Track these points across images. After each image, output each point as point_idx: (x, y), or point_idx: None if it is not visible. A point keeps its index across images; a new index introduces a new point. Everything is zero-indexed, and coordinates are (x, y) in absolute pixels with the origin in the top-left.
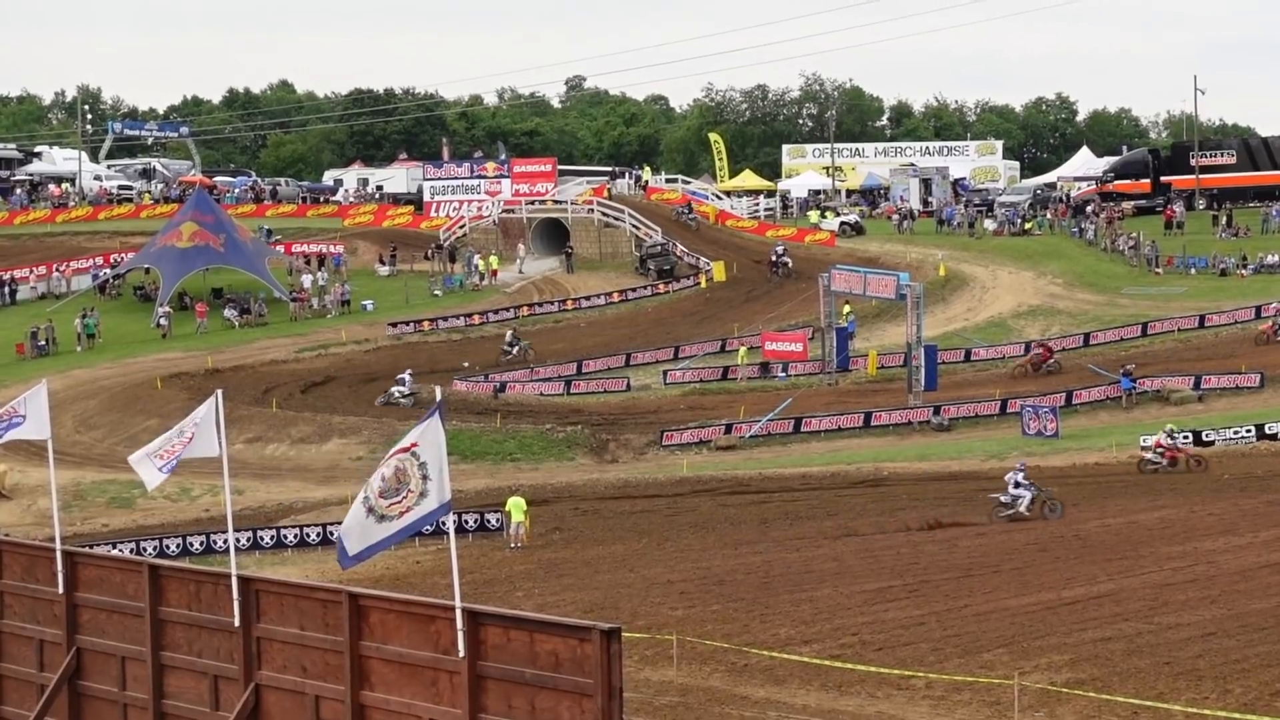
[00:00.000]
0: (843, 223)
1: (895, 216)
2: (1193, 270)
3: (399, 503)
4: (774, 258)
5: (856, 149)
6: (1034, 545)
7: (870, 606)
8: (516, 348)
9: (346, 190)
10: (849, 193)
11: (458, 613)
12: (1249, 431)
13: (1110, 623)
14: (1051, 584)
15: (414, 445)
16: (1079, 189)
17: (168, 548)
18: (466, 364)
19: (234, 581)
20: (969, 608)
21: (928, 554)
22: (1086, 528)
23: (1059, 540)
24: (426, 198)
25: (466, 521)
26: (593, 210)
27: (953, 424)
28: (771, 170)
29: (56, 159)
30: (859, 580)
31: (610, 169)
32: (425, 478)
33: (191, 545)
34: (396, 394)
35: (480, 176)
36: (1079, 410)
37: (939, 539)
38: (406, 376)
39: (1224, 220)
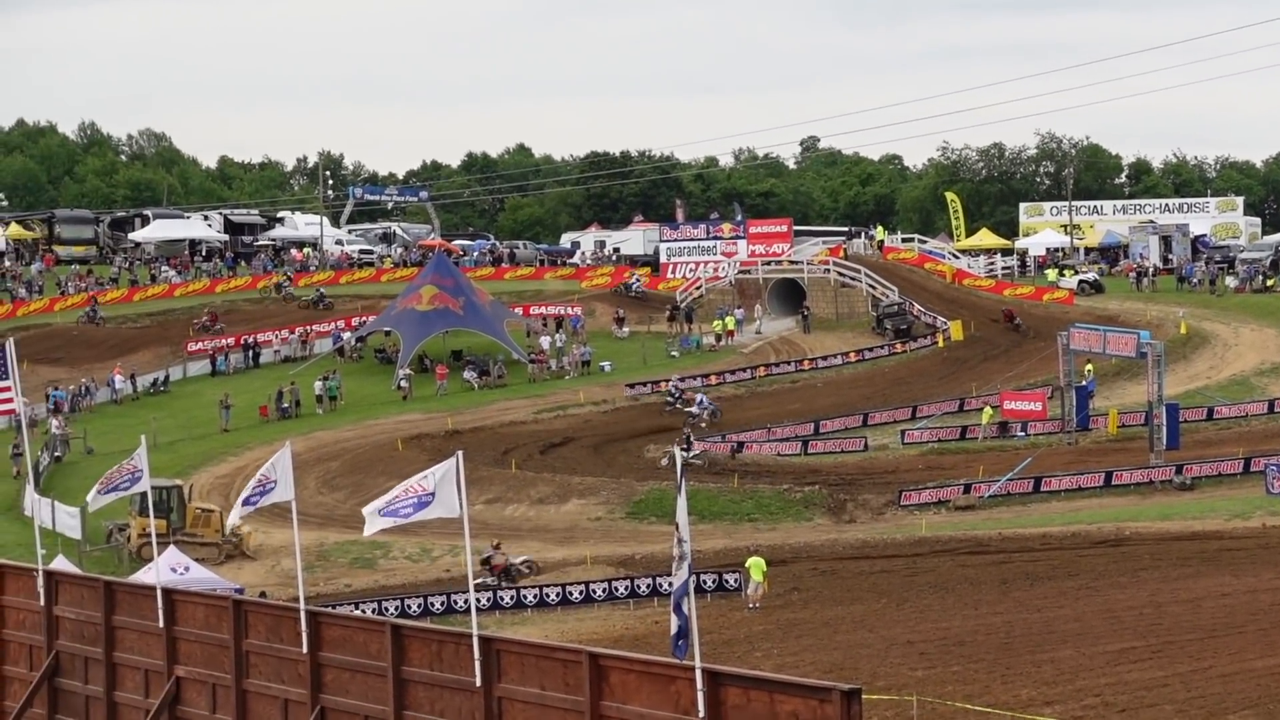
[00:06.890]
0: (1081, 281)
1: (1134, 274)
2: None
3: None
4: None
5: (1094, 206)
6: None
7: (1113, 668)
8: None
9: (583, 252)
10: (1087, 250)
11: (698, 673)
12: None
13: None
14: None
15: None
16: None
17: (409, 607)
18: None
19: (475, 641)
20: (1213, 669)
21: (1171, 615)
22: None
23: None
24: (663, 259)
25: (705, 582)
26: (829, 270)
27: (1195, 483)
28: (1009, 228)
29: (298, 224)
30: (1101, 641)
31: (846, 229)
32: (680, 540)
33: (433, 605)
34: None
35: (716, 237)
36: None
37: (1182, 599)
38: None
39: None
